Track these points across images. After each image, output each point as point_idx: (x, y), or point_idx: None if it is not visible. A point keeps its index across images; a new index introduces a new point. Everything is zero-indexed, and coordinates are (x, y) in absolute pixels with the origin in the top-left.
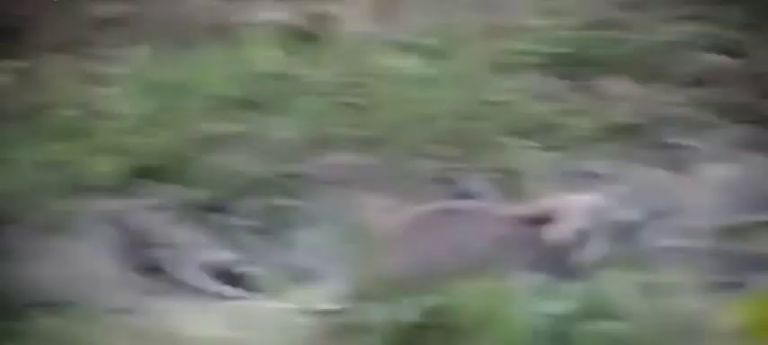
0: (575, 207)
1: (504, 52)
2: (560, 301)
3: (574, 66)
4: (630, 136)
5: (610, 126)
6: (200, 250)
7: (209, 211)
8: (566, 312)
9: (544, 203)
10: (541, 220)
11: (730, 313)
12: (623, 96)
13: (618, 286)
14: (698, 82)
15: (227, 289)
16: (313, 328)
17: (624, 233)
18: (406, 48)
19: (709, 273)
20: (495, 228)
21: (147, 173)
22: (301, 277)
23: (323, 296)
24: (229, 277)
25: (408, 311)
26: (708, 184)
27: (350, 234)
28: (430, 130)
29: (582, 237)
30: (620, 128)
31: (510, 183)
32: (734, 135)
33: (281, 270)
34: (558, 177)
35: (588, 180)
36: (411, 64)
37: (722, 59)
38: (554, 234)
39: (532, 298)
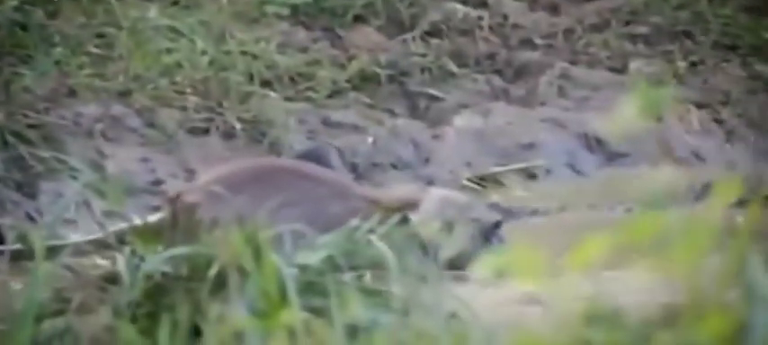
0: (433, 200)
1: (249, 3)
2: (314, 252)
3: (318, 16)
4: (377, 86)
5: (356, 76)
6: None
7: None
8: (318, 263)
9: (402, 192)
10: (398, 209)
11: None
12: (368, 46)
13: (372, 238)
14: (441, 31)
15: None
16: (65, 280)
17: (483, 231)
18: None
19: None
20: (350, 203)
21: None
22: (52, 228)
23: (73, 249)
24: None
25: (158, 261)
26: (455, 134)
27: (99, 184)
28: (176, 80)
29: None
30: (366, 77)
31: (257, 133)
32: (478, 84)
33: (31, 222)
34: (304, 127)
35: (334, 130)
36: (156, 14)
37: (465, 9)
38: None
39: (288, 250)
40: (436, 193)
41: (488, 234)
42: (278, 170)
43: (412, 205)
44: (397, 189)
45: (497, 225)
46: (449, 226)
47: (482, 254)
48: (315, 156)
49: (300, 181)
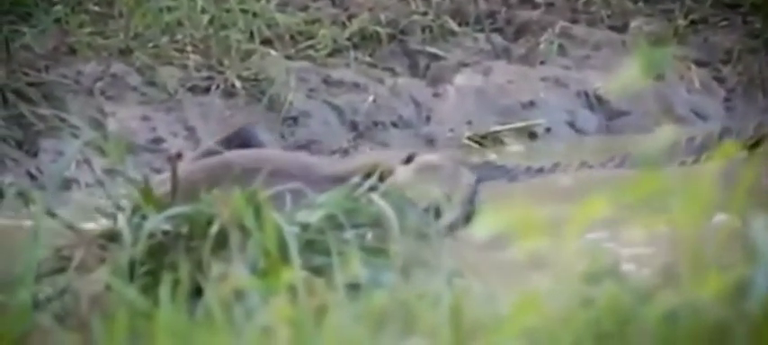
0: (410, 168)
1: None
2: (315, 211)
3: None
4: (377, 44)
5: (356, 34)
6: None
7: None
8: (319, 221)
9: (361, 160)
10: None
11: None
12: (369, 5)
13: (374, 196)
14: None
15: None
16: (65, 238)
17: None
18: None
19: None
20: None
21: None
22: (52, 187)
23: (77, 207)
24: None
25: (159, 220)
26: (455, 93)
27: (99, 142)
28: (177, 39)
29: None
30: (366, 36)
31: (257, 91)
32: (479, 43)
33: (31, 180)
34: (304, 86)
35: (335, 89)
36: None
37: None
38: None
39: (288, 209)
40: (418, 160)
41: (470, 197)
42: (233, 167)
43: (381, 173)
44: (360, 158)
45: (476, 185)
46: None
47: (466, 216)
48: (242, 138)
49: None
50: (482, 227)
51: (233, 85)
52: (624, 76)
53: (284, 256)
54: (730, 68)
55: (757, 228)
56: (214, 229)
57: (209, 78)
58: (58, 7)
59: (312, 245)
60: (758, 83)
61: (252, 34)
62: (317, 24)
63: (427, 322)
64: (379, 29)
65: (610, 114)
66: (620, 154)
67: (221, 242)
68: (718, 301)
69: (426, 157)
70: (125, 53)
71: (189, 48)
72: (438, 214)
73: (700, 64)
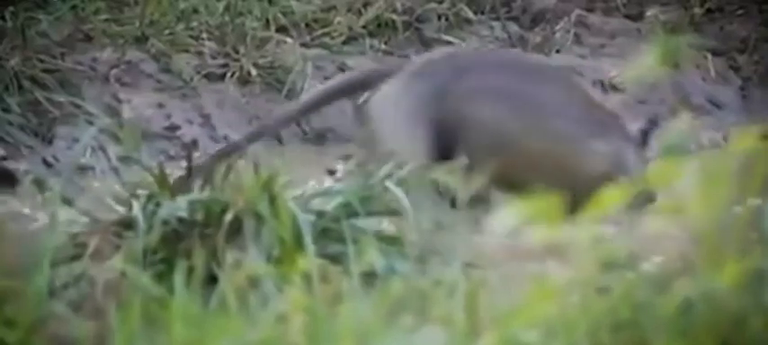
0: None
1: None
2: (330, 198)
3: None
4: (393, 32)
5: (372, 22)
6: None
7: None
8: (334, 209)
9: None
10: None
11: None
12: None
13: (389, 184)
14: None
15: None
16: (81, 225)
17: None
18: None
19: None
20: None
21: None
22: (68, 174)
23: (94, 194)
24: None
25: (175, 207)
26: None
27: (115, 129)
28: (192, 26)
29: None
30: (382, 24)
31: (273, 79)
32: (495, 31)
33: (47, 167)
34: (320, 73)
35: None
36: None
37: None
38: None
39: (304, 196)
40: None
41: None
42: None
43: None
44: None
45: None
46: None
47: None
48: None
49: None
50: (500, 216)
51: (249, 73)
52: (640, 65)
53: (299, 244)
54: (746, 57)
55: None
56: (228, 217)
57: (225, 66)
58: None
59: (327, 233)
60: None
61: (267, 22)
62: (332, 12)
63: (442, 310)
64: (394, 17)
65: (626, 103)
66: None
67: (236, 229)
68: (734, 291)
69: None
70: (140, 40)
71: (204, 36)
72: (454, 202)
73: (715, 53)
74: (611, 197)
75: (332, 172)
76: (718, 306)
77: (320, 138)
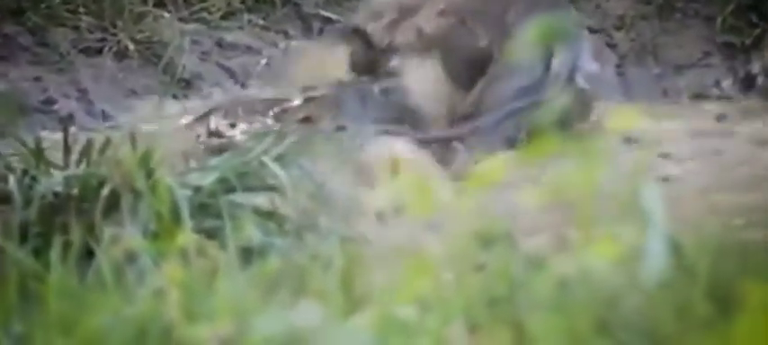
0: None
1: None
2: (207, 173)
3: None
4: (271, 7)
5: None
6: None
7: None
8: (211, 184)
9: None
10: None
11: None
12: None
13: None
14: None
15: None
16: None
17: None
18: None
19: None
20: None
21: None
22: None
23: None
24: None
25: (52, 181)
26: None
27: None
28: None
29: None
30: None
31: (151, 54)
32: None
33: None
34: (198, 48)
35: (228, 52)
36: None
37: None
38: None
39: (182, 172)
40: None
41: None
42: None
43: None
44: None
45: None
46: None
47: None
48: None
49: None
50: (378, 192)
51: (126, 47)
52: (521, 42)
53: (176, 219)
54: (623, 35)
55: (648, 195)
56: (105, 192)
57: (102, 40)
58: None
59: (204, 208)
60: (650, 49)
61: None
62: None
63: (319, 286)
64: None
65: None
66: None
67: (113, 204)
68: (610, 268)
69: None
70: (17, 13)
71: (81, 10)
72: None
73: (592, 30)
74: (492, 169)
75: None
76: (594, 284)
77: (188, 85)
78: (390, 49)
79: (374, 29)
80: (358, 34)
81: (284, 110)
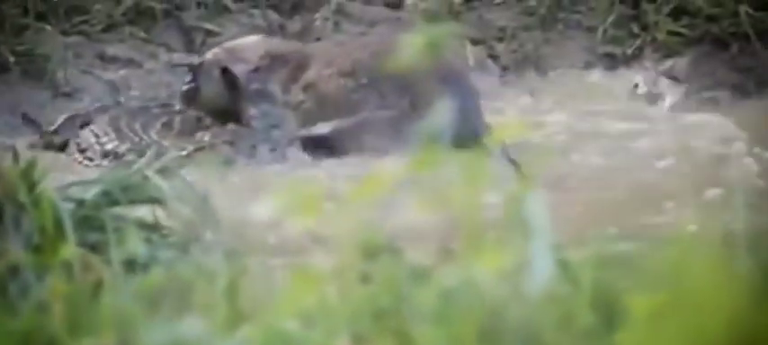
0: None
1: None
2: (90, 187)
3: None
4: (152, 20)
5: (131, 10)
6: None
7: None
8: (95, 197)
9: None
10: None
11: (268, 204)
12: None
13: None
14: None
15: None
16: None
17: None
18: None
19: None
20: None
21: None
22: None
23: None
24: None
25: None
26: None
27: None
28: None
29: None
30: (141, 11)
31: (32, 66)
32: (254, 19)
33: None
34: (80, 61)
35: (110, 64)
36: None
37: None
38: None
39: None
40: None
41: None
42: None
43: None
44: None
45: None
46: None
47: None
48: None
49: None
50: (262, 205)
51: (7, 60)
52: (406, 54)
53: (59, 232)
54: (505, 46)
55: (531, 206)
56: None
57: None
58: None
59: (88, 222)
60: (532, 60)
61: (26, 9)
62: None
63: (204, 299)
64: (154, 4)
65: None
66: None
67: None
68: (494, 280)
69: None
70: None
71: None
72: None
73: (475, 42)
74: (376, 182)
75: None
76: (478, 295)
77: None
78: (258, 96)
79: (242, 72)
80: (225, 75)
81: (166, 124)
